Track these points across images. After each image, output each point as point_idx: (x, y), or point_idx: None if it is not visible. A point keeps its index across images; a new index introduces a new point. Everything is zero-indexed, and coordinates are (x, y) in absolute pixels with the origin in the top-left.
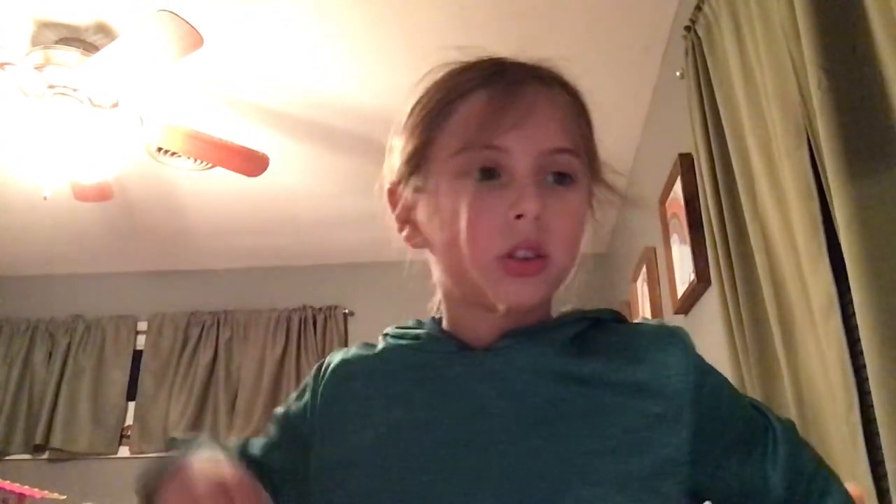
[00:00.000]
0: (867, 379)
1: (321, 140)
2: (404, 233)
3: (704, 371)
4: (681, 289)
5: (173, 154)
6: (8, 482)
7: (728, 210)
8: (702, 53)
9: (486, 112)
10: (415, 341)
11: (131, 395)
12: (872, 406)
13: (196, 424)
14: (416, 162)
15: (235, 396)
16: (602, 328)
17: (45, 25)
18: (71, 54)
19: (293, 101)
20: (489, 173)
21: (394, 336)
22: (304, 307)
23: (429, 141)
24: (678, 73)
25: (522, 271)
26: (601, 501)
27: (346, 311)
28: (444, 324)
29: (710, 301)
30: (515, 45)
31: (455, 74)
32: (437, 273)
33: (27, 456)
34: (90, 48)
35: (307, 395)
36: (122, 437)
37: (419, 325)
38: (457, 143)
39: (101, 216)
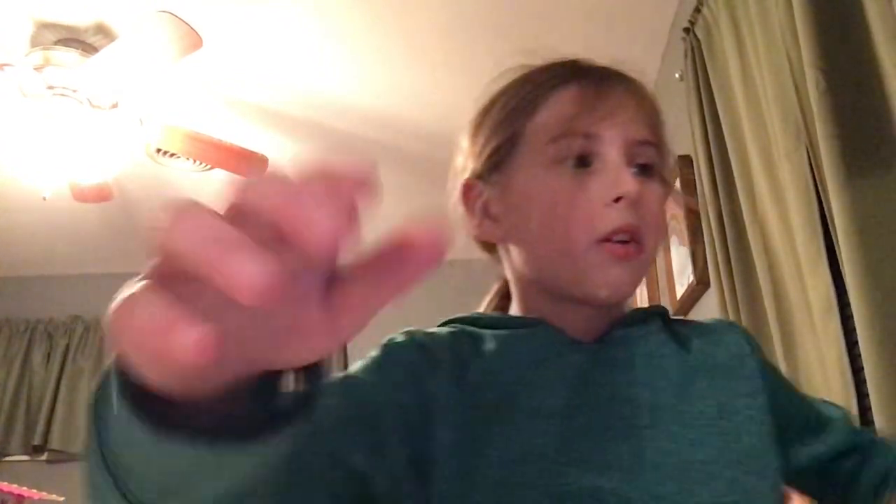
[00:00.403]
0: (865, 381)
1: (321, 140)
2: (481, 228)
3: (763, 353)
4: (680, 291)
5: (172, 155)
6: (6, 483)
7: (727, 212)
8: (701, 55)
9: (579, 103)
10: (525, 330)
11: None
12: (871, 408)
13: None
14: (502, 156)
15: None
16: (670, 322)
17: (45, 26)
18: (70, 55)
19: (293, 101)
20: (583, 161)
21: (486, 325)
22: None
23: (517, 134)
24: (677, 75)
25: (624, 253)
26: (747, 484)
27: None
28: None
29: (710, 303)
30: (516, 45)
31: (539, 72)
32: (517, 267)
33: (26, 457)
34: (89, 49)
35: (402, 375)
36: None
37: (501, 317)
38: (550, 132)
39: (101, 217)
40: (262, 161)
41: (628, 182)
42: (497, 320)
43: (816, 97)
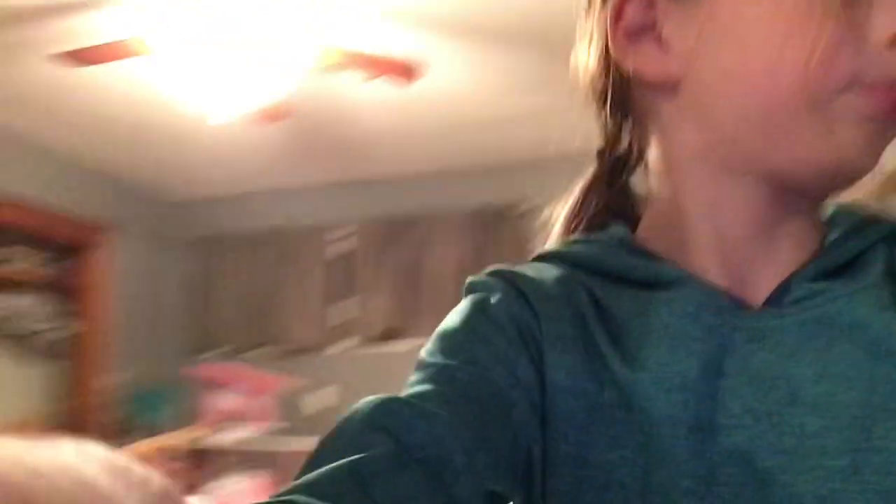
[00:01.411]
0: None
1: (484, 38)
2: (645, 59)
3: None
4: None
5: (340, 68)
6: (247, 370)
7: None
8: None
9: None
10: (663, 293)
11: (332, 299)
12: None
13: (393, 328)
14: None
15: (425, 299)
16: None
17: None
18: None
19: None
20: None
21: (603, 269)
22: (485, 207)
23: None
24: None
25: (888, 109)
26: None
27: (527, 209)
28: (643, 240)
29: None
30: None
31: None
32: (690, 128)
33: (261, 355)
34: None
35: (517, 306)
36: (330, 336)
37: (617, 246)
38: None
39: (288, 134)
40: (418, 66)
41: None
42: (621, 263)
43: None
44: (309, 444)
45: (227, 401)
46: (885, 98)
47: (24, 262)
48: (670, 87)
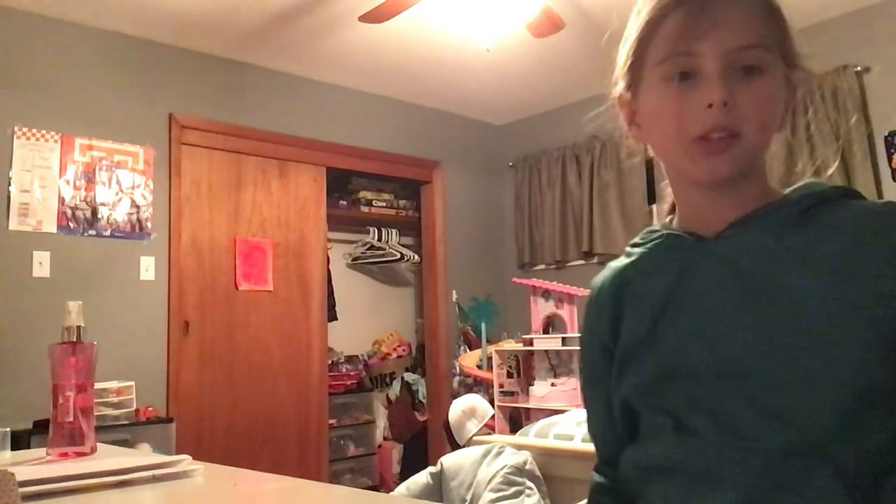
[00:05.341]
0: None
1: None
2: (632, 132)
3: None
4: None
5: None
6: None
7: None
8: None
9: (681, 26)
10: (661, 241)
11: (651, 199)
12: None
13: None
14: (634, 77)
15: None
16: (831, 206)
17: None
18: None
19: None
20: (686, 76)
21: (642, 244)
22: None
23: (641, 56)
24: None
25: (713, 149)
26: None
27: (860, 68)
28: (676, 222)
29: None
30: None
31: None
32: (660, 163)
33: (581, 262)
34: None
35: (595, 321)
36: None
37: (653, 232)
38: (660, 54)
39: (571, 46)
40: None
41: (715, 92)
42: (650, 235)
43: None
44: None
45: (548, 309)
46: (707, 144)
47: (382, 200)
48: (648, 143)
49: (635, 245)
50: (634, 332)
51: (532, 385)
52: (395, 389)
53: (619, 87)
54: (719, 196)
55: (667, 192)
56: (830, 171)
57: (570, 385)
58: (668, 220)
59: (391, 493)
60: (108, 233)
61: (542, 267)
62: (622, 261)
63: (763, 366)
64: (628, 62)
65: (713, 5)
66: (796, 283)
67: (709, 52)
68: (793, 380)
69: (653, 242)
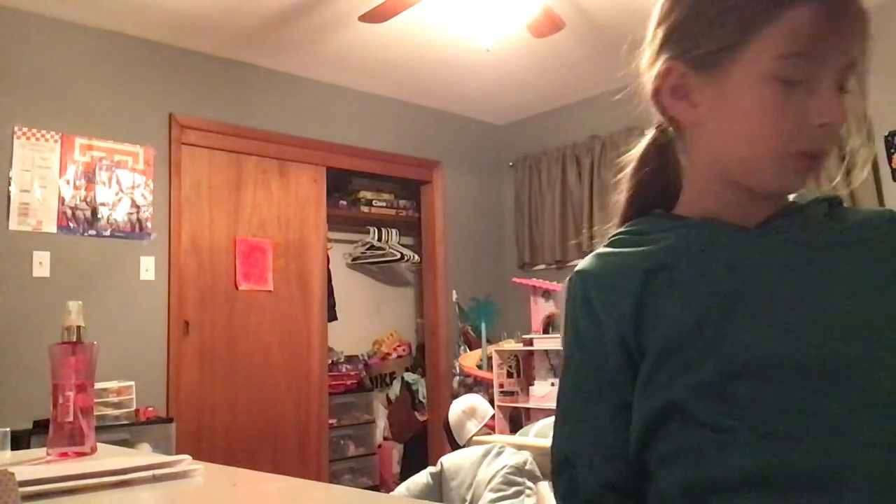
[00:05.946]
0: None
1: None
2: (675, 107)
3: None
4: None
5: None
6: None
7: None
8: None
9: (818, 23)
10: (696, 229)
11: None
12: None
13: None
14: (722, 56)
15: None
16: (838, 208)
17: None
18: None
19: None
20: (792, 80)
21: (661, 230)
22: None
23: (742, 42)
24: None
25: (807, 167)
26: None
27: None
28: (694, 212)
29: None
30: None
31: None
32: (699, 149)
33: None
34: None
35: (606, 311)
36: None
37: (664, 221)
38: (781, 48)
39: (572, 46)
40: None
41: (836, 113)
42: (667, 223)
43: None
44: None
45: (548, 309)
46: (803, 161)
47: (382, 200)
48: (692, 127)
49: (641, 233)
50: (679, 325)
51: (532, 385)
52: (395, 389)
53: (669, 55)
54: (763, 199)
55: (627, 185)
56: (837, 179)
57: None
58: (659, 211)
59: (391, 493)
60: (108, 233)
61: (542, 267)
62: (632, 248)
63: (857, 356)
64: (716, 39)
65: (852, 9)
66: (858, 272)
67: (834, 63)
68: (893, 365)
69: (682, 229)
